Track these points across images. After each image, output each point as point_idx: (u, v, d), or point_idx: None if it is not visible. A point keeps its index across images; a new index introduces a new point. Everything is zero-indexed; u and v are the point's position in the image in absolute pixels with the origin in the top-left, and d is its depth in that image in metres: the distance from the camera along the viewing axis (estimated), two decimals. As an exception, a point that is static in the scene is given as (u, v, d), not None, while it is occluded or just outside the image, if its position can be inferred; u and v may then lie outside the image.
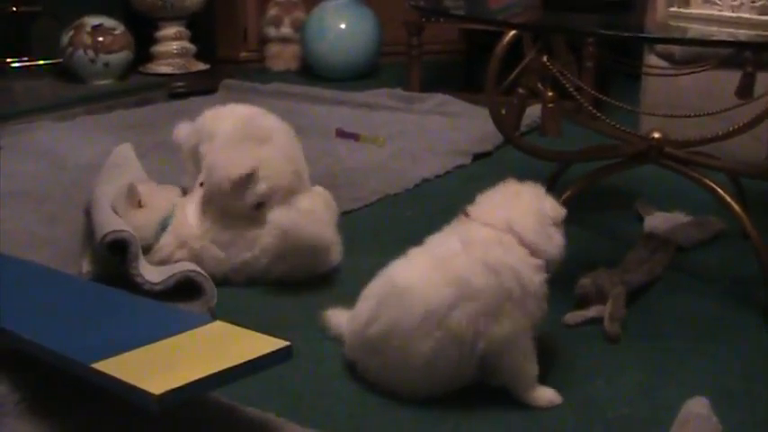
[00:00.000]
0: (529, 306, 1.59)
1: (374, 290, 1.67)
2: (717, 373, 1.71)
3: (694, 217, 2.37)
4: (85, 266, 2.03)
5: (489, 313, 1.56)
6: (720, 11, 1.82)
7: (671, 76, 2.74)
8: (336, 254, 2.12)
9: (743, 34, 1.78)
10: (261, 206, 2.08)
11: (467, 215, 1.66)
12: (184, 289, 1.93)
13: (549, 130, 2.25)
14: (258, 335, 1.52)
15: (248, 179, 2.06)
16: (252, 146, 2.13)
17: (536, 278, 1.59)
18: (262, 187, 2.07)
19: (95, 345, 1.48)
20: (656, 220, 2.36)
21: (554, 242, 1.64)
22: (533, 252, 1.60)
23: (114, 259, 1.96)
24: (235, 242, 2.07)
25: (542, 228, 1.63)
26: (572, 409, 1.59)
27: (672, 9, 1.89)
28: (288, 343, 1.48)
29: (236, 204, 2.08)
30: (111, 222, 2.00)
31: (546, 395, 1.61)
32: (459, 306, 1.56)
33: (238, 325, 1.58)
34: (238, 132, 2.19)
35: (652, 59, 2.88)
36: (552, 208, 1.67)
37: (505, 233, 1.60)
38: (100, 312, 1.69)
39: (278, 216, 2.05)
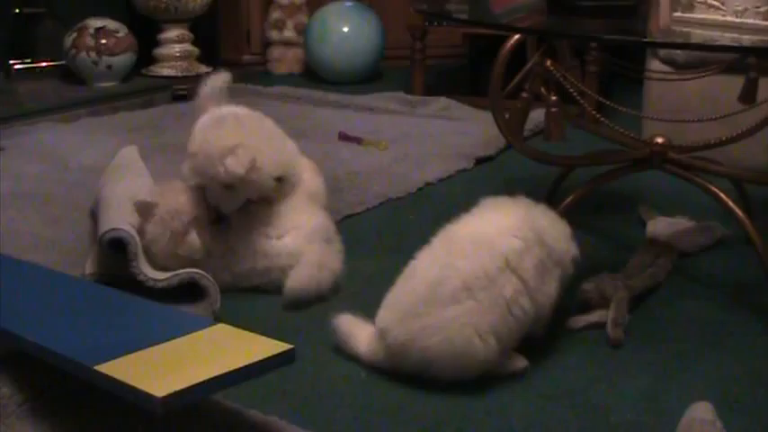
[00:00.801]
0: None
1: (436, 252, 1.71)
2: (720, 379, 1.71)
3: (697, 222, 2.37)
4: (89, 268, 2.03)
5: (545, 266, 1.71)
6: (724, 16, 1.81)
7: (674, 81, 2.74)
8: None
9: (747, 39, 1.78)
10: (231, 188, 2.02)
11: None
12: (187, 292, 1.93)
13: (552, 134, 2.25)
14: (261, 338, 1.52)
15: (231, 152, 1.99)
16: (237, 126, 2.07)
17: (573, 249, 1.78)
18: (237, 166, 1.98)
19: (99, 347, 1.48)
20: (659, 225, 2.36)
21: None
22: None
23: (116, 258, 1.96)
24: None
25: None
26: (575, 414, 1.59)
27: (676, 14, 1.89)
28: (291, 346, 1.48)
29: (212, 182, 2.02)
30: (111, 221, 2.00)
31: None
32: (527, 253, 1.67)
33: (241, 327, 1.59)
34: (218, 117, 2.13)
35: (655, 64, 2.88)
36: None
37: None
38: (103, 314, 1.69)
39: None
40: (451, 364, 1.63)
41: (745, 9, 1.78)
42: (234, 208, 2.06)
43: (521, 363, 1.71)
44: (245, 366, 1.41)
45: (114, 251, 1.96)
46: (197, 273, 1.94)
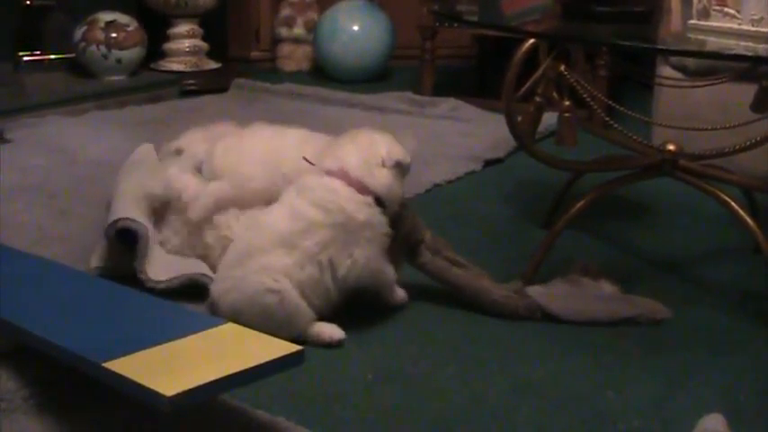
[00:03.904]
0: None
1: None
2: (728, 387, 1.70)
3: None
4: (94, 262, 2.03)
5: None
6: (740, 24, 1.81)
7: (685, 87, 2.73)
8: None
9: (762, 48, 1.78)
10: None
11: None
12: (191, 291, 1.94)
13: (564, 139, 2.24)
14: (271, 338, 1.51)
15: None
16: None
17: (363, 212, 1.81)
18: None
19: (107, 343, 1.48)
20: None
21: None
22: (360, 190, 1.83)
23: (120, 250, 1.96)
24: None
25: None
26: (582, 420, 1.59)
27: (691, 21, 1.88)
28: (300, 347, 1.48)
29: None
30: (125, 209, 2.00)
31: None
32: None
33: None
34: None
35: (666, 71, 2.87)
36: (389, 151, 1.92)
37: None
38: (111, 310, 1.68)
39: None
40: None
41: (762, 18, 1.78)
42: None
43: (335, 333, 1.78)
44: (255, 367, 1.41)
45: (121, 241, 1.96)
46: (197, 274, 1.94)
